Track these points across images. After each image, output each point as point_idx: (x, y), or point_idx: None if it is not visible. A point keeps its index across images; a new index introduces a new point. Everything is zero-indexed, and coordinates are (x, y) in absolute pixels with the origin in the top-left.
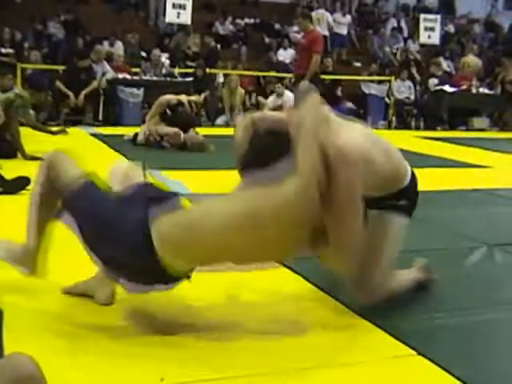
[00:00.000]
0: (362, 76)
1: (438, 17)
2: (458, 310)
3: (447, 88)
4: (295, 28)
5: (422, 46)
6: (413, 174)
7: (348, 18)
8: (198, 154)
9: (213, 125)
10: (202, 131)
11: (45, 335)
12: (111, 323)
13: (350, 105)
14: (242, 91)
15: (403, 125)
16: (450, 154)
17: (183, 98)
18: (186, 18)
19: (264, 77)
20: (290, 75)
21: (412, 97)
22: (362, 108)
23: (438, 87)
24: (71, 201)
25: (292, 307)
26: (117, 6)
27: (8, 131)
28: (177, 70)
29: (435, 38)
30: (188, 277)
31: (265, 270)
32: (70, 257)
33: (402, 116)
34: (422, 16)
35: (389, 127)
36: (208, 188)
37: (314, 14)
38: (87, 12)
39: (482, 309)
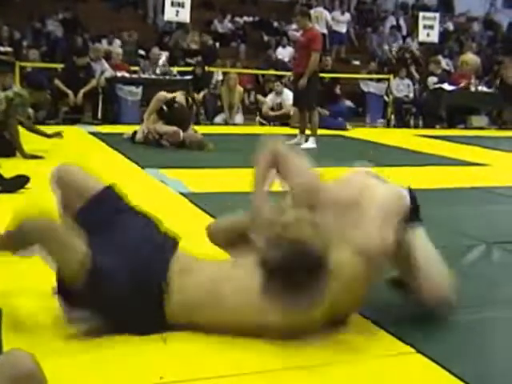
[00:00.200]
0: (360, 74)
1: (437, 15)
2: (456, 307)
3: (446, 86)
4: (294, 26)
5: (421, 44)
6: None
7: (347, 16)
8: (196, 153)
9: (211, 123)
10: (201, 129)
11: (43, 335)
12: None
13: (348, 103)
14: (241, 89)
15: (402, 123)
16: (448, 153)
17: (178, 94)
18: (184, 16)
19: (263, 75)
20: (288, 73)
21: (411, 95)
22: (360, 106)
23: (437, 85)
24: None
25: None
26: (115, 4)
27: (7, 130)
28: (176, 69)
29: (434, 37)
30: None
31: None
32: None
33: (401, 114)
34: (421, 14)
35: (387, 125)
36: (207, 186)
37: (312, 12)
38: (85, 10)
39: (480, 307)
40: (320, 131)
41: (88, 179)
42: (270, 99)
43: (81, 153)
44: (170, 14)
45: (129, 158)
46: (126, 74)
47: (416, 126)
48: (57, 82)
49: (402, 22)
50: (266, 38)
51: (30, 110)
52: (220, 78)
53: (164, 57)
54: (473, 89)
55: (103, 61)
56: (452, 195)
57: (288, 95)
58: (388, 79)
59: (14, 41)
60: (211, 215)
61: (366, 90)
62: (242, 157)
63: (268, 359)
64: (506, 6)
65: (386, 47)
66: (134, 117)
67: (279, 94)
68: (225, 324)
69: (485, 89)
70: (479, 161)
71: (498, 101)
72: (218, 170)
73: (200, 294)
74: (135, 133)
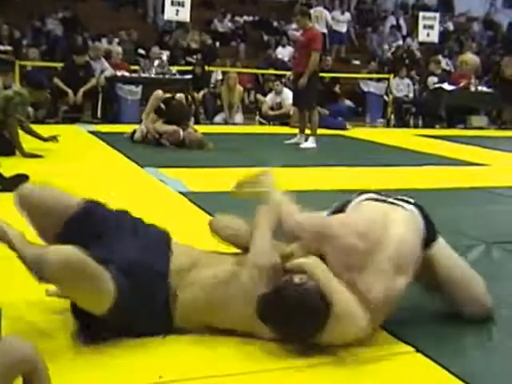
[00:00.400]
0: (360, 74)
1: (437, 15)
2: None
3: (446, 86)
4: (294, 26)
5: (421, 44)
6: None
7: (347, 15)
8: (196, 152)
9: (211, 122)
10: (201, 129)
11: (42, 334)
12: None
13: (348, 103)
14: (241, 89)
15: (402, 123)
16: (448, 153)
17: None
18: (184, 15)
19: (263, 74)
20: (288, 73)
21: (411, 95)
22: (360, 106)
23: (437, 85)
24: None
25: None
26: (115, 3)
27: (6, 129)
28: (175, 68)
29: (434, 36)
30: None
31: None
32: None
33: (401, 114)
34: (421, 14)
35: (387, 125)
36: (207, 186)
37: (312, 11)
38: (85, 9)
39: None
40: (320, 131)
41: (58, 196)
42: (269, 99)
43: (80, 152)
44: (169, 13)
45: (128, 157)
46: (126, 73)
47: (416, 126)
48: (56, 80)
49: (402, 21)
50: (265, 37)
51: (30, 109)
52: (220, 77)
53: (165, 56)
54: (472, 89)
55: (103, 60)
56: (451, 195)
57: (288, 95)
58: (388, 79)
59: (14, 40)
60: (211, 214)
61: (365, 89)
62: (242, 156)
63: (268, 359)
64: (506, 6)
65: (386, 47)
66: (133, 116)
67: (279, 93)
68: (230, 324)
69: (484, 89)
70: (479, 161)
71: (497, 101)
72: (217, 169)
73: (207, 297)
74: (134, 132)
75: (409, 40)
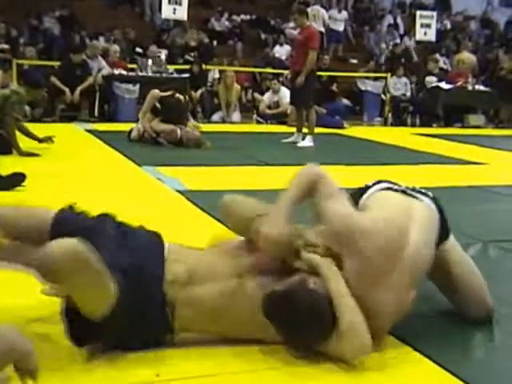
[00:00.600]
0: (358, 73)
1: (434, 13)
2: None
3: (443, 85)
4: (291, 24)
5: (418, 42)
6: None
7: (344, 14)
8: (194, 151)
9: (209, 121)
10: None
11: (41, 331)
12: None
13: (345, 101)
14: (238, 87)
15: (399, 121)
16: (445, 151)
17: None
18: (182, 13)
19: (260, 73)
20: (286, 71)
21: (408, 93)
22: (358, 105)
23: (434, 84)
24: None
25: None
26: (112, 2)
27: (3, 128)
28: (173, 67)
29: (431, 35)
30: None
31: None
32: None
33: (398, 113)
34: (419, 13)
35: (385, 124)
36: (204, 184)
37: (309, 10)
38: (82, 7)
39: None
40: (317, 129)
41: (32, 214)
42: (267, 97)
43: (77, 151)
44: (167, 11)
45: (126, 156)
46: (124, 72)
47: (413, 125)
48: (53, 79)
49: (399, 20)
50: (263, 36)
51: (27, 108)
52: (217, 75)
53: (163, 55)
54: (470, 87)
55: (100, 58)
56: (449, 194)
57: (285, 93)
58: (385, 78)
59: (11, 38)
60: (208, 213)
61: (363, 88)
62: (239, 155)
63: (267, 359)
64: (503, 5)
65: (384, 46)
66: (131, 115)
67: (276, 92)
68: (232, 332)
69: (482, 87)
70: (476, 159)
71: (494, 99)
72: (215, 167)
73: (212, 313)
74: (131, 130)
75: (406, 39)
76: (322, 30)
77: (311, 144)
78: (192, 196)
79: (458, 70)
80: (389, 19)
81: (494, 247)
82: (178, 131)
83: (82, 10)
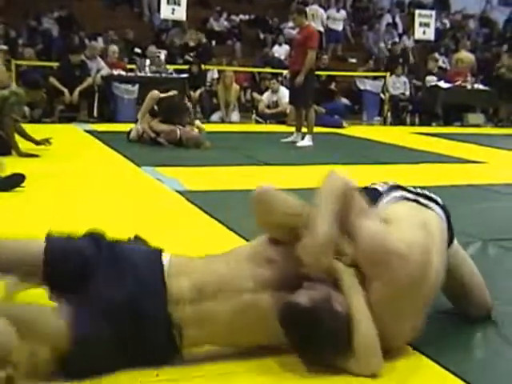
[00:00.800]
0: (357, 72)
1: (433, 12)
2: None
3: (442, 84)
4: (290, 24)
5: (417, 41)
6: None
7: (343, 13)
8: (193, 151)
9: (208, 121)
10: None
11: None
12: None
13: (345, 101)
14: (237, 87)
15: (398, 121)
16: (444, 150)
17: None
18: (180, 14)
19: (259, 73)
20: (285, 71)
21: (407, 93)
22: (357, 104)
23: (433, 83)
24: None
25: None
26: (111, 2)
27: (2, 129)
28: (172, 67)
29: (430, 34)
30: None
31: None
32: None
33: (397, 112)
34: (417, 12)
35: (384, 123)
36: (204, 185)
37: (308, 9)
38: (81, 8)
39: None
40: (316, 129)
41: (21, 248)
42: (266, 97)
43: (76, 151)
44: (166, 12)
45: (125, 157)
46: (123, 72)
47: (412, 124)
48: (52, 80)
49: (398, 19)
50: (262, 35)
51: (26, 109)
52: (216, 75)
53: (163, 55)
54: (469, 86)
55: (99, 59)
56: (448, 193)
57: (284, 93)
58: (384, 77)
59: (10, 39)
60: (208, 213)
61: (362, 87)
62: (239, 155)
63: (267, 359)
64: (502, 4)
65: (382, 45)
66: (130, 115)
67: (275, 91)
68: (243, 344)
69: (481, 86)
70: (475, 158)
71: (493, 98)
72: (214, 168)
73: (224, 329)
74: (130, 131)
75: (405, 38)
76: (321, 29)
77: (310, 143)
78: (192, 196)
79: (457, 68)
80: (387, 18)
81: (494, 246)
82: (178, 131)
83: (81, 11)
